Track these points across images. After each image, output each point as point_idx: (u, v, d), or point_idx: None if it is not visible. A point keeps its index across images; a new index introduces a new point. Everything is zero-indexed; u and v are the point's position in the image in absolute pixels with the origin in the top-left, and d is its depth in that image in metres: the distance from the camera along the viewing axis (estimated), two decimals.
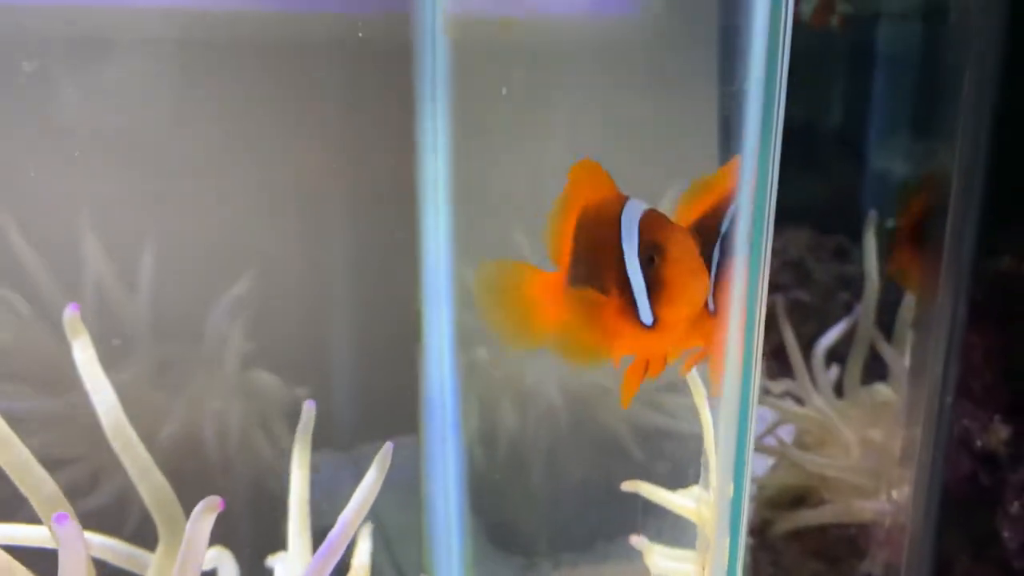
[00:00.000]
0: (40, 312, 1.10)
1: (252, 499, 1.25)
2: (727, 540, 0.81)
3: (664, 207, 1.10)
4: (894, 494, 1.02)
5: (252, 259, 1.25)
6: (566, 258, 0.79)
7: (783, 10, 0.70)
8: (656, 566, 0.94)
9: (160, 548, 0.91)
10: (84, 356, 0.86)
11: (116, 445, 0.88)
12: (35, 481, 0.80)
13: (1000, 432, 0.97)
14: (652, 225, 0.73)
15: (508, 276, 0.82)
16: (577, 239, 0.78)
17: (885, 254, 1.26)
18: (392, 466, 1.16)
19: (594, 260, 0.76)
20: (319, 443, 1.40)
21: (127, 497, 1.03)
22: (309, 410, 0.89)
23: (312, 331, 1.34)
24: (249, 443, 1.26)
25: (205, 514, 0.73)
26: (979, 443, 0.98)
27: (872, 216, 1.27)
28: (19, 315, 1.12)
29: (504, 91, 1.08)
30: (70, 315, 0.85)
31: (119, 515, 1.06)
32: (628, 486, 0.93)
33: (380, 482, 0.85)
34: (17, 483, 0.80)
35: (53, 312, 0.99)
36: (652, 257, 0.72)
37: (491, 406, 1.27)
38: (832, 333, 1.29)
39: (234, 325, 1.24)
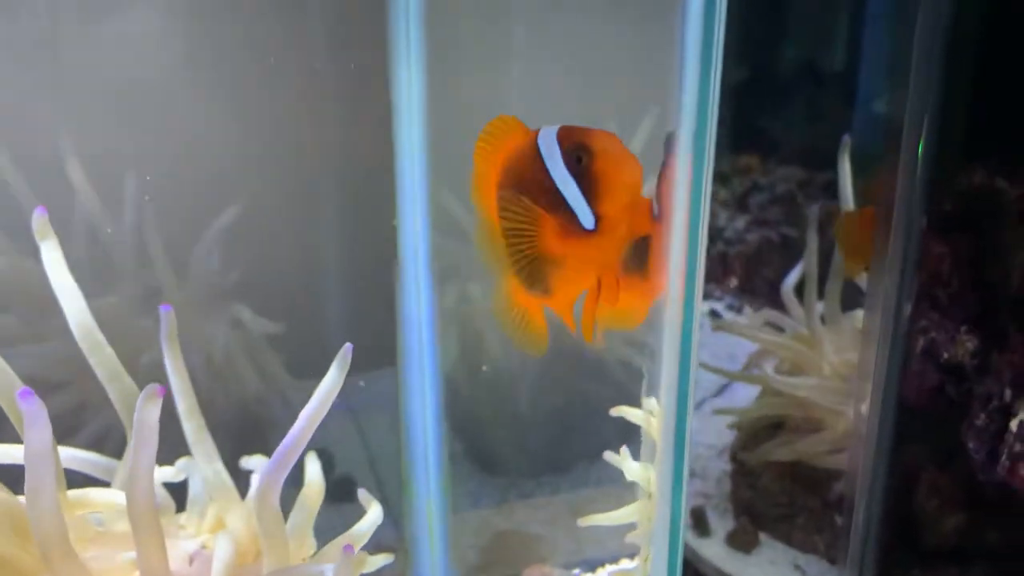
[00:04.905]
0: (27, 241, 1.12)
1: (237, 424, 1.27)
2: (672, 454, 0.81)
3: (639, 138, 1.11)
4: (862, 409, 1.01)
5: (238, 193, 1.28)
6: (494, 211, 0.78)
7: None
8: (630, 471, 0.94)
9: (128, 451, 0.93)
10: (51, 257, 0.87)
11: (84, 346, 0.89)
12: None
13: (967, 343, 0.96)
14: (571, 133, 0.72)
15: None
16: (502, 185, 0.77)
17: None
18: (376, 393, 1.17)
19: (525, 194, 0.75)
20: (306, 375, 1.43)
21: (113, 427, 1.04)
22: (167, 315, 0.89)
23: (296, 265, 1.37)
24: (234, 370, 1.28)
25: (148, 401, 0.74)
26: (945, 355, 0.97)
27: (846, 142, 1.25)
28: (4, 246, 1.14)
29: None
30: (38, 217, 0.87)
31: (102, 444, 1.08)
32: (616, 411, 0.93)
33: (340, 383, 0.85)
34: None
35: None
36: (580, 157, 0.71)
37: (471, 332, 1.28)
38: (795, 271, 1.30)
39: (219, 256, 1.27)
